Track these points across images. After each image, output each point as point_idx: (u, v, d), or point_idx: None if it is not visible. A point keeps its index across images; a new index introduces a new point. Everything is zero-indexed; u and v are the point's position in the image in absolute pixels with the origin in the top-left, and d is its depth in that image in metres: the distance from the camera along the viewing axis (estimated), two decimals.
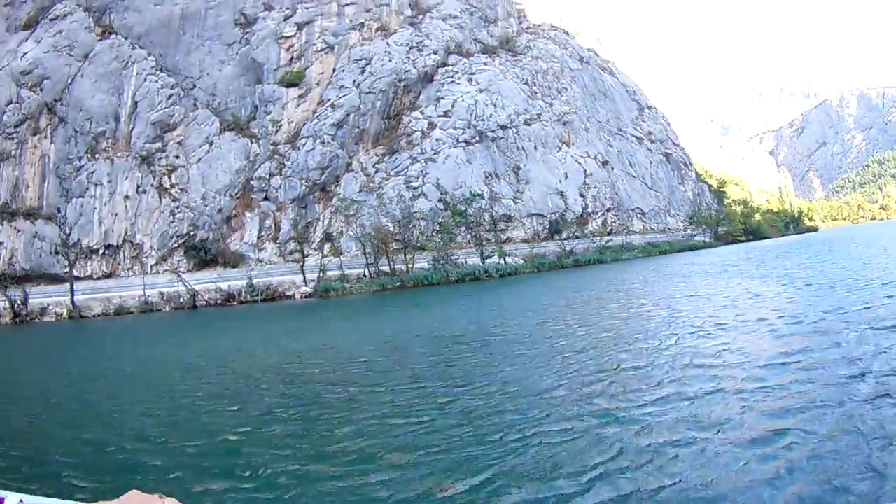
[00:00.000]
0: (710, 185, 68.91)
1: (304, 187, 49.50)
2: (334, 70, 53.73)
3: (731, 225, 57.69)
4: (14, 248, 49.39)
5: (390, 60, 52.66)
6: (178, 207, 49.44)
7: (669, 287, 21.22)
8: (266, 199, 50.05)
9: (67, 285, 41.72)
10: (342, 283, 39.61)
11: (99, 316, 39.28)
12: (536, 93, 58.07)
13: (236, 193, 50.13)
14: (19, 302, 41.07)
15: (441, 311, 21.28)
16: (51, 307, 41.53)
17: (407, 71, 52.71)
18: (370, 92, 51.56)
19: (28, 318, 41.50)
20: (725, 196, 68.51)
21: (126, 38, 54.56)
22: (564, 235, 50.70)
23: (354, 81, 51.88)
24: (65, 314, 40.34)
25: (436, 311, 21.70)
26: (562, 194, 52.99)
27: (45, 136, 51.81)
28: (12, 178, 51.62)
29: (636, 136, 58.76)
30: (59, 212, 47.72)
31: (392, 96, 52.89)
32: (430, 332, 15.01)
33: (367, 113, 51.40)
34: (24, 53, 53.66)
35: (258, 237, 49.17)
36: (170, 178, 51.12)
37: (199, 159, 51.46)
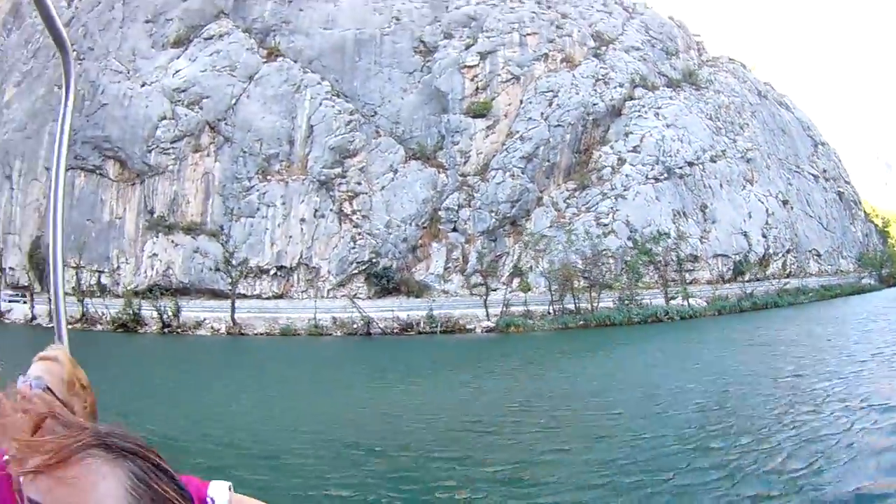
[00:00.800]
0: (875, 225, 69.22)
1: (493, 220, 49.57)
2: (521, 102, 54.26)
3: (893, 266, 57.39)
4: (171, 260, 49.38)
5: (577, 93, 54.04)
6: (359, 234, 49.11)
7: None
8: (454, 230, 49.95)
9: (229, 301, 42.58)
10: (525, 319, 39.93)
11: (261, 335, 40.21)
12: (720, 128, 59.61)
13: (423, 223, 49.90)
14: (170, 313, 41.94)
15: (641, 361, 21.04)
16: (207, 321, 42.05)
17: (594, 104, 54.07)
18: (559, 125, 52.68)
19: (178, 330, 41.94)
20: (889, 236, 69.02)
21: (296, 62, 54.76)
22: (747, 277, 51.22)
23: (542, 114, 53.02)
24: (223, 329, 41.01)
25: (631, 359, 21.82)
26: (745, 235, 53.98)
27: (209, 155, 50.77)
28: (170, 192, 51.15)
29: (812, 174, 59.32)
30: (222, 229, 48.31)
31: (581, 130, 53.55)
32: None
33: (556, 146, 52.30)
34: (177, 71, 54.01)
35: (444, 268, 48.90)
36: (351, 203, 50.07)
37: (383, 187, 50.65)
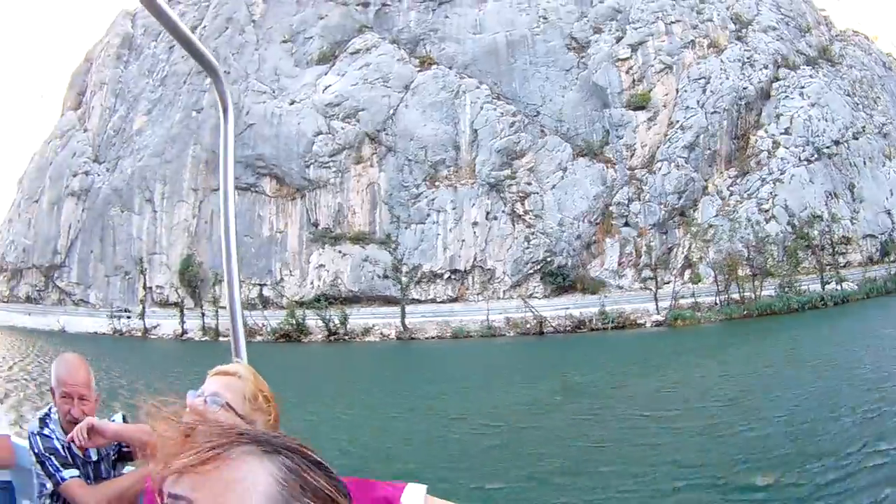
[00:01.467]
0: None
1: (663, 212, 49.74)
2: (677, 91, 54.40)
3: None
4: (339, 270, 51.35)
5: (727, 78, 54.18)
6: (533, 233, 49.77)
7: None
8: (626, 224, 50.25)
9: (398, 307, 44.05)
10: (692, 311, 40.30)
11: (432, 338, 41.73)
12: (858, 104, 58.72)
13: (595, 219, 50.47)
14: (337, 322, 43.99)
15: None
16: (377, 327, 43.94)
17: (744, 88, 54.07)
18: (715, 111, 52.92)
19: (345, 338, 43.77)
20: None
21: (450, 68, 56.06)
22: (893, 258, 49.51)
23: (698, 101, 53.36)
24: (392, 334, 42.74)
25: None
26: (889, 213, 52.61)
27: (372, 165, 52.65)
28: (333, 204, 53.21)
29: None
30: (389, 237, 50.19)
31: (736, 115, 53.64)
32: None
33: (715, 133, 52.53)
34: (327, 87, 55.96)
35: (618, 263, 49.18)
36: (522, 204, 50.70)
37: (553, 186, 51.06)
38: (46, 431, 2.35)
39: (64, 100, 73.64)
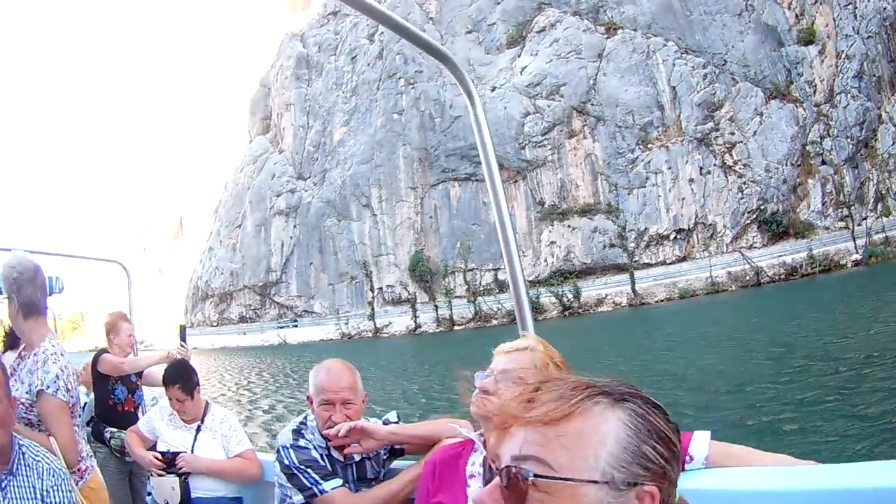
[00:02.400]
0: None
1: (850, 146, 52.33)
2: (834, 20, 56.19)
3: None
4: (570, 244, 55.03)
5: (869, 0, 55.91)
6: (744, 183, 53.37)
7: None
8: (823, 163, 53.28)
9: (628, 275, 47.08)
10: (883, 247, 39.98)
11: (661, 301, 43.52)
12: None
13: (796, 161, 53.50)
14: (570, 296, 46.60)
15: None
16: (609, 297, 46.05)
17: (884, 8, 54.41)
18: (869, 36, 54.23)
19: (579, 311, 46.00)
20: None
21: (635, 31, 60.15)
22: None
23: (854, 28, 55.08)
24: (624, 302, 44.88)
25: None
26: None
27: (585, 137, 57.02)
28: (555, 181, 57.43)
29: None
30: (610, 206, 53.97)
31: (886, 38, 54.17)
32: None
33: (875, 59, 53.87)
34: (524, 68, 60.91)
35: (822, 203, 51.77)
36: (731, 155, 54.59)
37: (754, 132, 54.80)
38: (302, 443, 2.37)
39: (249, 127, 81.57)
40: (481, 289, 57.38)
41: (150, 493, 3.57)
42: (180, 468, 3.25)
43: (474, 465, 1.79)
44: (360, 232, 66.20)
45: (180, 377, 3.44)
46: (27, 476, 1.95)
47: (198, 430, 3.44)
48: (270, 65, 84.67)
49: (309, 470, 2.29)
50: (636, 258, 51.74)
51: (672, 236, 53.58)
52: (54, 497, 1.96)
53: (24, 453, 1.99)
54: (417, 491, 1.99)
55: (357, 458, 2.38)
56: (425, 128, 64.57)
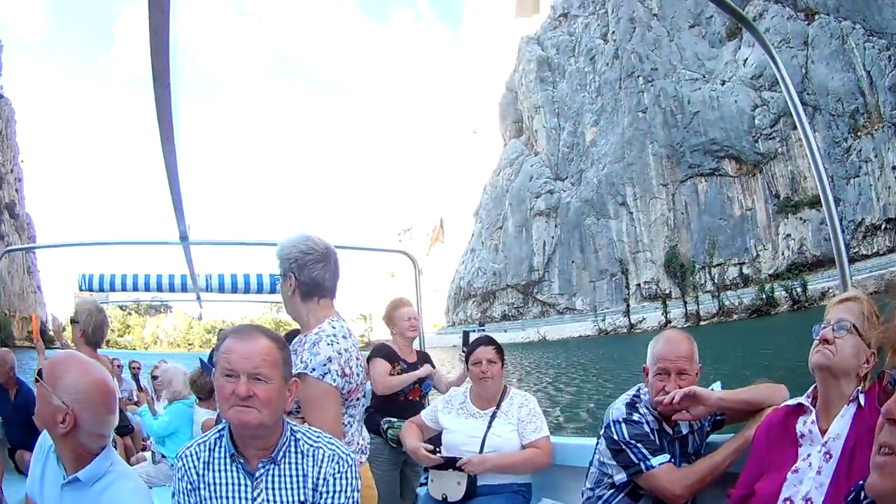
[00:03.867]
0: None
1: None
2: None
3: None
4: (802, 237, 79.93)
5: None
6: None
7: None
8: None
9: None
10: None
11: (871, 294, 78.48)
12: None
13: None
14: (798, 290, 68.88)
15: None
16: (830, 290, 62.32)
17: None
18: None
19: (805, 305, 68.12)
20: None
21: (828, 15, 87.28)
22: None
23: None
24: None
25: None
26: None
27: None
28: (786, 173, 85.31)
29: None
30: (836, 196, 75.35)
31: None
32: None
33: None
34: (745, 59, 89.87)
35: None
36: None
37: None
38: (636, 417, 3.34)
39: (501, 130, 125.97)
40: (726, 283, 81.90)
41: (423, 484, 5.40)
42: (468, 471, 4.48)
43: (805, 424, 2.69)
44: (617, 230, 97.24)
45: (490, 341, 4.92)
46: (296, 464, 2.55)
47: (493, 416, 4.74)
48: (513, 69, 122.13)
49: (639, 445, 3.23)
50: (854, 249, 69.76)
51: (882, 226, 73.42)
52: (334, 485, 2.54)
53: (297, 440, 2.60)
54: (749, 455, 2.96)
55: (684, 429, 3.41)
56: (668, 124, 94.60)
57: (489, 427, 4.63)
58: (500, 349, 4.89)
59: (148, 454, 7.15)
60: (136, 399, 11.18)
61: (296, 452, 2.55)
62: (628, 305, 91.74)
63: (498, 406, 4.73)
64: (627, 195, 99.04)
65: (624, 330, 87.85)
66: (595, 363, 46.52)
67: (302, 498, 2.50)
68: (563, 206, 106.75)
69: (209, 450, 2.62)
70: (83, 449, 2.57)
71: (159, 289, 11.10)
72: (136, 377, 11.66)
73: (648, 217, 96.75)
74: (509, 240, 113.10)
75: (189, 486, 2.58)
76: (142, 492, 2.77)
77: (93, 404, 2.53)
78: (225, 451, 2.59)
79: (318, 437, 2.63)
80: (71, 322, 5.35)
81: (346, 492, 2.55)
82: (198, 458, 2.60)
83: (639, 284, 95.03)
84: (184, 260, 8.56)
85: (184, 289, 10.87)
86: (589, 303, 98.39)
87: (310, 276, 3.29)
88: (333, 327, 3.24)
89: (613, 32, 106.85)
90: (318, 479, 2.52)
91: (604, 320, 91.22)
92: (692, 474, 3.18)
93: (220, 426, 2.69)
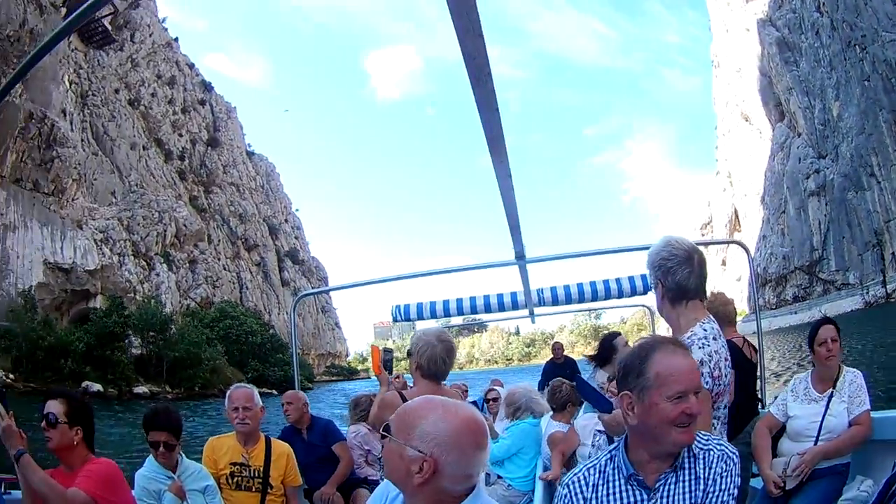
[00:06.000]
0: None
1: None
2: None
3: None
4: None
5: None
6: None
7: None
8: None
9: None
10: None
11: None
12: None
13: None
14: None
15: None
16: None
17: None
18: None
19: None
20: None
21: None
22: None
23: None
24: None
25: None
26: None
27: None
28: None
29: None
30: None
31: None
32: None
33: None
34: None
35: None
36: None
37: None
38: None
39: (767, 116, 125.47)
40: None
41: (755, 475, 5.33)
42: (803, 478, 4.64)
43: None
44: (871, 200, 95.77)
45: (829, 320, 4.97)
46: (691, 469, 2.52)
47: (829, 397, 4.77)
48: (759, 53, 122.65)
49: None
50: None
51: None
52: (720, 484, 2.49)
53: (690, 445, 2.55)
54: None
55: None
56: (888, 90, 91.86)
57: (826, 408, 4.87)
58: (838, 328, 5.10)
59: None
60: None
61: (689, 457, 2.63)
62: (885, 276, 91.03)
63: (833, 386, 4.95)
64: (873, 165, 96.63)
65: (883, 300, 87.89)
66: (864, 336, 45.27)
67: (695, 501, 2.57)
68: (829, 183, 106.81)
69: (600, 472, 2.73)
70: (445, 495, 2.24)
71: (487, 309, 11.51)
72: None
73: (892, 185, 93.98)
74: (792, 223, 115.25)
75: None
76: None
77: (459, 445, 2.19)
78: (619, 472, 2.68)
79: (707, 438, 2.70)
80: (407, 354, 5.30)
81: (729, 489, 2.59)
82: (587, 483, 2.71)
83: (893, 253, 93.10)
84: (518, 279, 9.49)
85: (514, 306, 11.48)
86: (858, 276, 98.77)
87: (675, 281, 3.37)
88: (704, 329, 3.30)
89: (824, 4, 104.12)
90: (708, 479, 2.59)
91: (867, 292, 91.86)
92: None
93: (610, 448, 2.84)
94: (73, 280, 67.81)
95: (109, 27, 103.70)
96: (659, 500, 2.52)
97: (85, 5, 3.27)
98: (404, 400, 4.10)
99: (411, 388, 5.15)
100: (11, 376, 48.08)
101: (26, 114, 65.12)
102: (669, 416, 2.43)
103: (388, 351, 5.58)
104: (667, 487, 2.54)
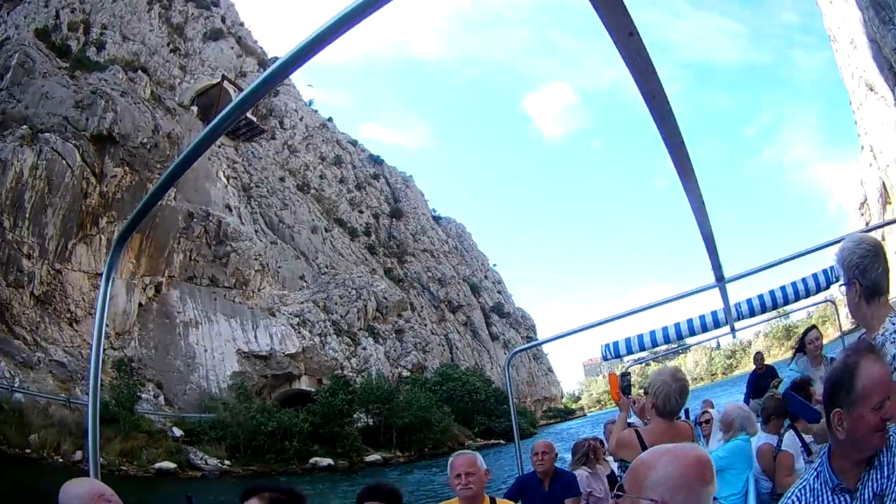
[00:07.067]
0: None
1: None
2: None
3: None
4: None
5: None
6: None
7: None
8: None
9: None
10: None
11: None
12: None
13: None
14: None
15: None
16: None
17: None
18: None
19: None
20: None
21: None
22: None
23: None
24: None
25: None
26: None
27: None
28: None
29: None
30: None
31: None
32: None
33: None
34: None
35: None
36: None
37: None
38: None
39: (885, 82, 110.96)
40: None
41: None
42: None
43: None
44: None
45: None
46: (887, 460, 2.43)
47: None
48: (859, 20, 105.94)
49: None
50: None
51: None
52: None
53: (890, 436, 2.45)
54: None
55: None
56: None
57: None
58: None
59: None
60: None
61: (883, 452, 2.52)
62: None
63: None
64: None
65: None
66: None
67: (893, 489, 2.46)
68: None
69: (810, 490, 2.65)
70: None
71: (691, 333, 11.42)
72: None
73: None
74: None
75: None
76: None
77: (687, 485, 2.17)
78: (825, 486, 2.60)
79: (892, 428, 2.56)
80: (644, 393, 5.65)
81: None
82: (799, 502, 2.64)
83: None
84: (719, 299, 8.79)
85: (715, 325, 11.16)
86: None
87: (870, 279, 3.23)
88: (894, 324, 3.13)
89: None
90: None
91: None
92: None
93: (815, 465, 2.74)
94: (273, 365, 67.80)
95: (254, 119, 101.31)
96: (859, 500, 2.49)
97: (228, 109, 3.08)
98: (640, 438, 4.85)
99: (646, 424, 5.43)
100: (227, 462, 48.40)
101: (185, 214, 65.74)
102: (873, 425, 2.44)
103: (625, 376, 6.31)
104: (867, 486, 2.50)
